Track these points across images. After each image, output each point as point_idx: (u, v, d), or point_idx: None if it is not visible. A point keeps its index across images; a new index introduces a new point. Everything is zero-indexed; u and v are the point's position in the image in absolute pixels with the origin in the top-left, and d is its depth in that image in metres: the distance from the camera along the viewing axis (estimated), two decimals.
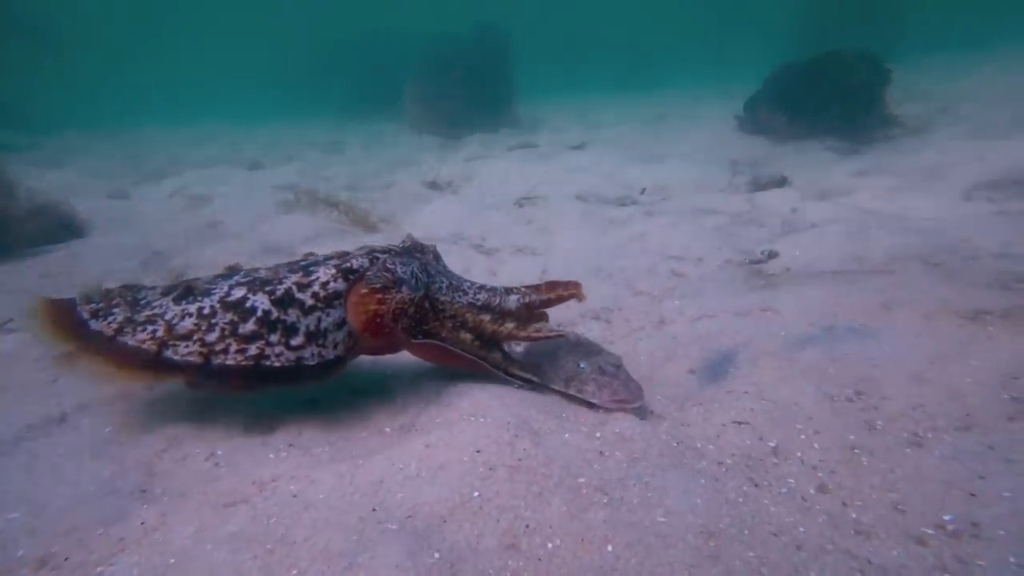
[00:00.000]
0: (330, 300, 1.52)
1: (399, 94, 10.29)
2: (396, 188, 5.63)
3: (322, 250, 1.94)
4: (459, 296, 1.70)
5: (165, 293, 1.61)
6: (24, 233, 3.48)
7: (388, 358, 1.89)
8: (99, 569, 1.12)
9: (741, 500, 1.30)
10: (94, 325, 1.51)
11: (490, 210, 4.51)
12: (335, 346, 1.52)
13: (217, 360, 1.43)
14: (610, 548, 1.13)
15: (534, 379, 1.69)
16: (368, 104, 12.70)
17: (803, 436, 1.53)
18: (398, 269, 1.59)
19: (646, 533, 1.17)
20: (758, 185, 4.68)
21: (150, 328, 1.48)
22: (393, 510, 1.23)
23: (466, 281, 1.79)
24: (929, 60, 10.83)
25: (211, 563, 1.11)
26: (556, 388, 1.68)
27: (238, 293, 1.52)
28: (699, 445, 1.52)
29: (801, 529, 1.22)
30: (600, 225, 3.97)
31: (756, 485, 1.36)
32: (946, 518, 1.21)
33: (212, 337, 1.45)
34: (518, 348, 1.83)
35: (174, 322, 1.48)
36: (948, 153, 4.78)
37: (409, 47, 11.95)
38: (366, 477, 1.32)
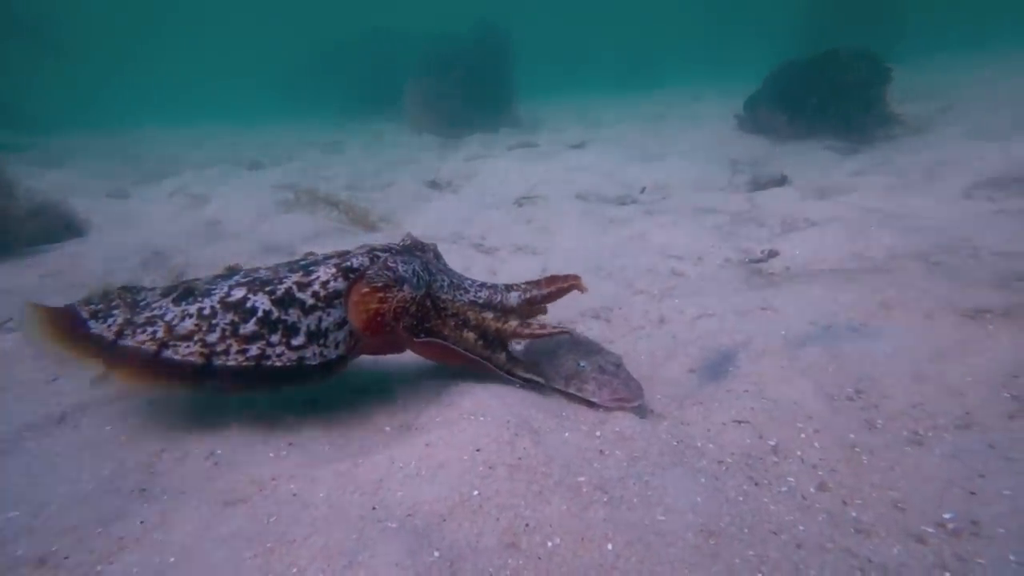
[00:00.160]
0: (331, 299, 1.52)
1: (399, 94, 10.29)
2: (396, 187, 5.62)
3: (322, 249, 1.94)
4: (460, 294, 1.70)
5: (165, 294, 1.60)
6: (24, 233, 3.48)
7: (388, 357, 1.88)
8: (99, 568, 1.12)
9: (741, 499, 1.29)
10: (94, 327, 1.50)
11: (490, 209, 4.51)
12: (336, 345, 1.52)
13: (218, 361, 1.42)
14: (610, 546, 1.13)
15: (539, 380, 1.67)
16: (368, 104, 12.70)
17: (803, 435, 1.53)
18: (399, 268, 1.58)
19: (646, 531, 1.17)
20: (758, 184, 4.68)
21: (150, 329, 1.47)
22: (393, 509, 1.23)
23: (467, 279, 1.79)
24: (929, 60, 10.82)
25: (211, 562, 1.11)
26: (556, 387, 1.68)
27: (238, 293, 1.52)
28: (699, 444, 1.52)
29: (801, 527, 1.22)
30: (600, 224, 3.97)
31: (756, 484, 1.36)
32: (946, 516, 1.21)
33: (213, 337, 1.45)
34: (518, 347, 1.82)
35: (174, 323, 1.48)
36: (948, 152, 4.78)
37: (409, 47, 11.95)
38: (366, 476, 1.32)
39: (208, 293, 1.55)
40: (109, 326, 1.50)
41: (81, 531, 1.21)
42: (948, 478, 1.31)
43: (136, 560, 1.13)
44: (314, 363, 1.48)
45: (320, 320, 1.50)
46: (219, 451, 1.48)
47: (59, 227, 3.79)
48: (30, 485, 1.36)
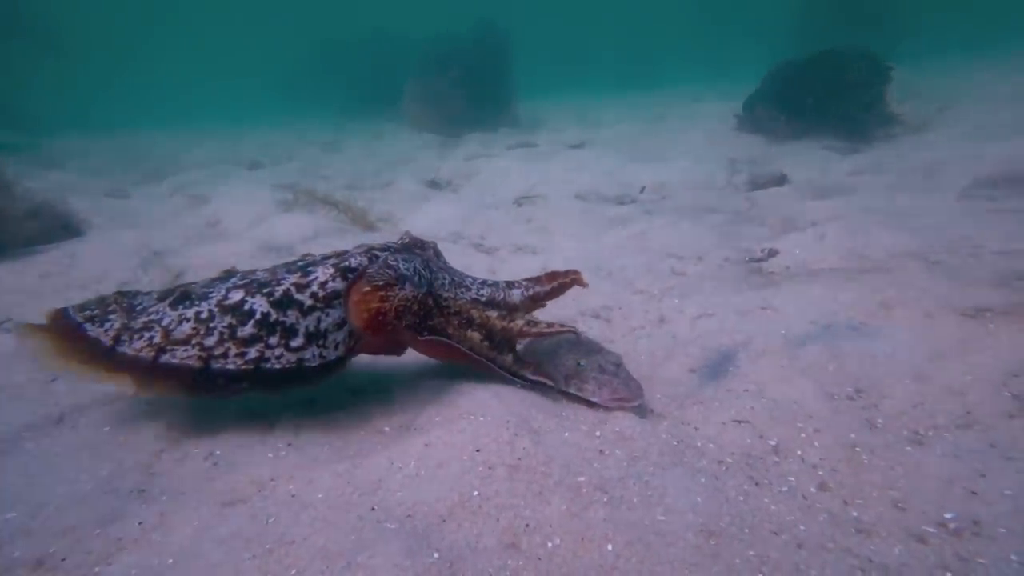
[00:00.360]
0: (329, 300, 1.51)
1: (399, 93, 10.29)
2: (396, 187, 5.62)
3: (321, 249, 1.93)
4: (462, 292, 1.68)
5: (161, 298, 1.58)
6: (22, 232, 3.47)
7: (386, 358, 1.88)
8: (97, 569, 1.12)
9: (741, 499, 1.29)
10: (91, 332, 1.48)
11: (490, 209, 4.50)
12: (336, 346, 1.51)
13: (217, 364, 1.41)
14: (610, 547, 1.13)
15: (548, 383, 1.64)
16: (368, 103, 12.70)
17: (803, 434, 1.53)
18: (400, 266, 1.57)
19: (646, 532, 1.16)
20: (757, 184, 4.68)
21: (147, 335, 1.45)
22: (392, 509, 1.22)
23: (468, 276, 1.78)
24: (929, 61, 10.82)
25: (210, 563, 1.10)
26: (556, 387, 1.67)
27: (236, 296, 1.51)
28: (699, 444, 1.52)
29: (802, 527, 1.21)
30: (600, 224, 3.96)
31: (756, 484, 1.36)
32: (947, 516, 1.21)
33: (211, 341, 1.44)
34: (518, 346, 1.82)
35: (171, 327, 1.46)
36: (948, 152, 4.78)
37: (409, 46, 11.95)
38: (365, 476, 1.32)
39: (205, 296, 1.53)
40: (106, 331, 1.48)
41: (79, 532, 1.20)
42: (949, 478, 1.31)
43: (134, 561, 1.12)
44: (314, 364, 1.47)
45: (319, 321, 1.49)
46: (218, 452, 1.48)
47: (58, 227, 3.78)
48: (28, 486, 1.35)
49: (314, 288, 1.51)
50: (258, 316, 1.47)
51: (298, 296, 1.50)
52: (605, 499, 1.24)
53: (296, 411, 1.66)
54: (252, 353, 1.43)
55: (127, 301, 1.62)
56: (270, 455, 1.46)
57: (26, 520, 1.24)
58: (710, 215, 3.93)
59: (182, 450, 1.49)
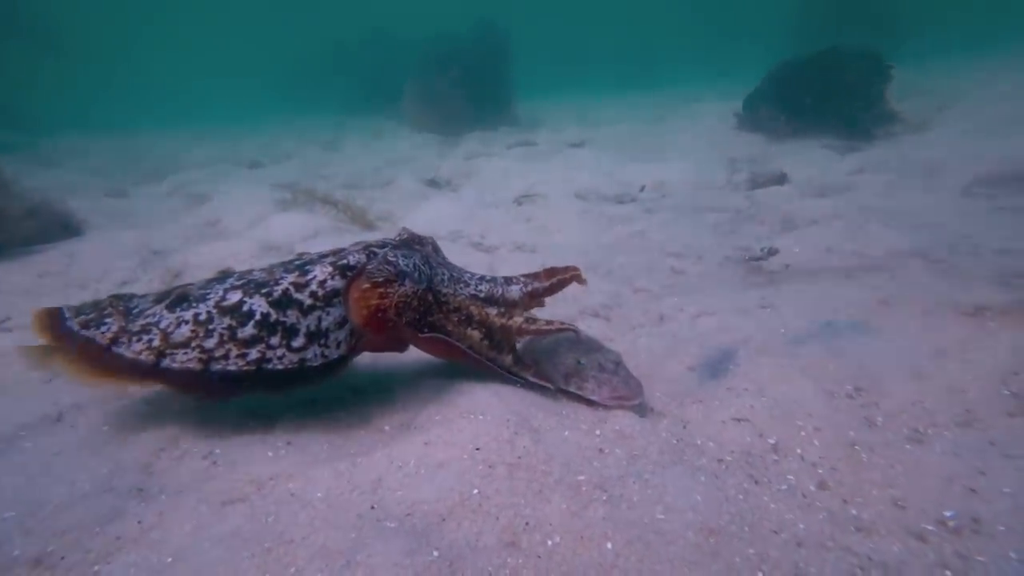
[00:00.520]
0: (329, 298, 1.50)
1: (399, 92, 10.28)
2: (395, 186, 5.61)
3: (321, 248, 1.92)
4: (461, 288, 1.67)
5: (158, 301, 1.56)
6: (21, 232, 3.47)
7: (386, 356, 1.88)
8: (96, 568, 1.11)
9: (741, 497, 1.29)
10: (86, 335, 1.46)
11: (489, 208, 4.50)
12: (338, 345, 1.50)
13: (218, 366, 1.39)
14: (610, 545, 1.13)
15: (548, 386, 1.63)
16: (368, 102, 12.68)
17: (803, 433, 1.53)
18: (400, 262, 1.56)
19: (646, 530, 1.16)
20: (757, 183, 4.68)
21: (146, 338, 1.44)
22: (392, 508, 1.22)
23: (466, 272, 1.77)
24: (929, 59, 10.82)
25: (209, 562, 1.10)
26: (555, 385, 1.67)
27: (234, 297, 1.49)
28: (699, 442, 1.52)
29: (801, 526, 1.21)
30: (599, 223, 3.96)
31: (756, 482, 1.36)
32: (947, 514, 1.21)
33: (211, 343, 1.42)
34: (518, 345, 1.81)
35: (170, 330, 1.44)
36: (948, 150, 4.78)
37: (408, 46, 11.94)
38: (365, 475, 1.32)
39: (203, 298, 1.51)
40: (103, 334, 1.46)
41: (78, 531, 1.20)
42: (948, 476, 1.31)
43: (134, 560, 1.12)
44: (316, 364, 1.46)
45: (320, 320, 1.48)
46: (217, 451, 1.48)
47: (57, 227, 3.78)
48: (27, 485, 1.35)
49: (313, 287, 1.50)
50: (258, 317, 1.45)
51: (297, 295, 1.49)
52: (605, 497, 1.24)
53: (296, 410, 1.66)
54: (253, 354, 1.42)
55: (123, 304, 1.59)
56: (270, 454, 1.46)
57: (25, 519, 1.23)
58: (710, 214, 3.93)
59: (181, 449, 1.49)
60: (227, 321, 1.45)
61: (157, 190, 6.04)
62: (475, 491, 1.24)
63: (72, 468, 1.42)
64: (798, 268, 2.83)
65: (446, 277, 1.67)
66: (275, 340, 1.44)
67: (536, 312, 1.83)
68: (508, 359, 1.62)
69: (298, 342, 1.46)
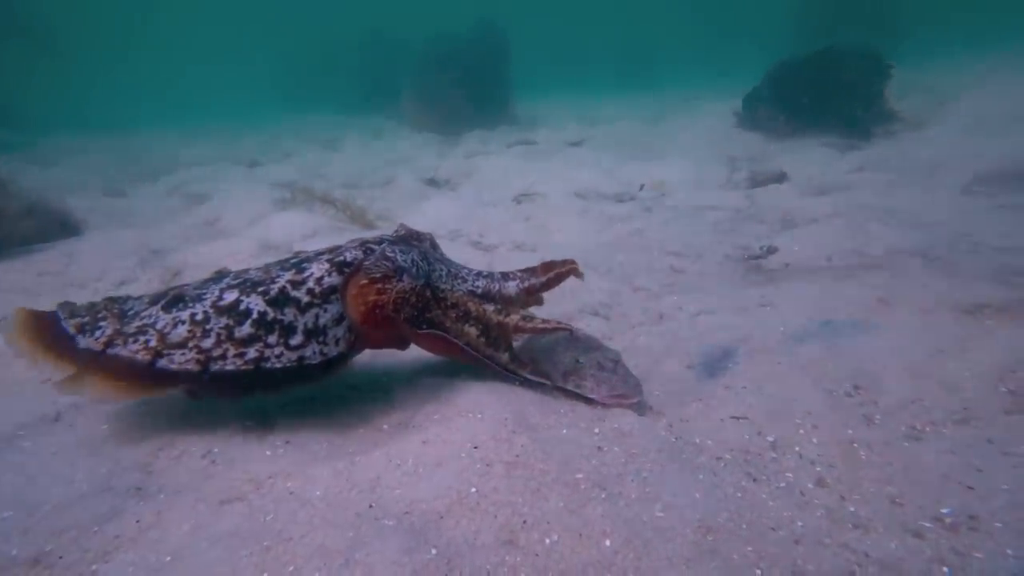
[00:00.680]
0: (327, 295, 1.49)
1: (398, 92, 10.27)
2: (395, 185, 5.61)
3: (320, 248, 1.92)
4: (459, 283, 1.66)
5: (153, 302, 1.55)
6: (19, 231, 3.46)
7: (385, 355, 1.88)
8: (94, 567, 1.11)
9: (739, 495, 1.29)
10: (82, 341, 1.43)
11: (488, 207, 4.50)
12: (337, 342, 1.49)
13: (216, 366, 1.38)
14: (608, 543, 1.13)
15: (545, 382, 1.63)
16: (367, 102, 12.68)
17: (801, 431, 1.53)
18: (398, 257, 1.55)
19: (644, 528, 1.16)
20: (757, 181, 4.68)
21: (142, 339, 1.42)
22: (390, 506, 1.22)
23: (464, 268, 1.76)
24: (929, 58, 10.82)
25: (207, 561, 1.10)
26: (553, 382, 1.67)
27: (230, 296, 1.48)
28: (698, 440, 1.52)
29: (799, 523, 1.21)
30: (599, 221, 3.96)
31: (754, 480, 1.36)
32: (944, 511, 1.21)
33: (208, 343, 1.41)
34: (516, 343, 1.81)
35: (166, 331, 1.43)
36: (947, 148, 4.78)
37: (408, 46, 11.93)
38: (363, 474, 1.32)
39: (199, 298, 1.50)
40: (97, 338, 1.43)
41: (76, 530, 1.20)
42: (946, 473, 1.31)
43: (132, 559, 1.12)
44: (315, 362, 1.45)
45: (317, 317, 1.48)
46: (216, 450, 1.48)
47: (55, 226, 3.77)
48: (25, 484, 1.35)
49: (310, 284, 1.50)
50: (255, 316, 1.45)
51: (294, 293, 1.48)
52: (603, 496, 1.24)
53: (295, 409, 1.66)
54: (251, 353, 1.41)
55: (117, 307, 1.57)
56: (268, 453, 1.46)
57: (23, 519, 1.23)
58: (710, 213, 3.93)
59: (180, 448, 1.49)
60: (224, 320, 1.44)
61: (156, 189, 6.03)
62: (473, 489, 1.24)
63: (70, 467, 1.41)
64: (797, 267, 2.83)
65: (444, 273, 1.67)
66: (273, 339, 1.44)
67: (534, 310, 1.83)
68: (505, 356, 1.62)
69: (296, 340, 1.45)
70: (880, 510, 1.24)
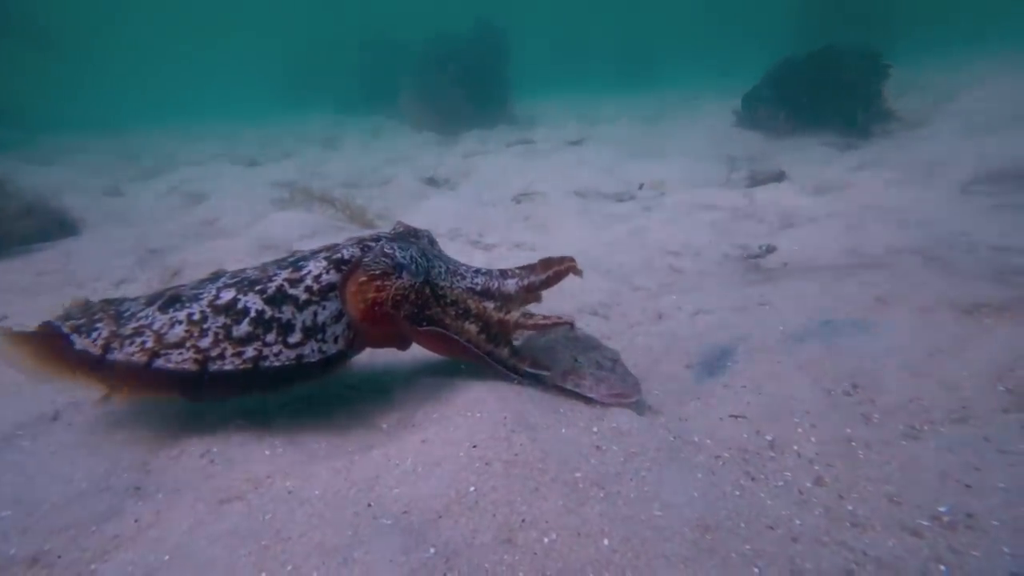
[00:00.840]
0: (325, 293, 1.48)
1: (397, 91, 10.26)
2: (394, 184, 5.61)
3: (317, 246, 1.92)
4: (457, 281, 1.66)
5: (149, 303, 1.53)
6: (18, 230, 3.46)
7: (384, 354, 1.88)
8: (93, 567, 1.11)
9: (738, 494, 1.29)
10: (79, 344, 1.42)
11: (488, 206, 4.50)
12: (336, 340, 1.48)
13: (214, 366, 1.37)
14: (606, 542, 1.13)
15: (545, 373, 1.61)
16: (366, 101, 12.67)
17: (800, 430, 1.53)
18: (397, 254, 1.54)
19: (642, 527, 1.16)
20: (756, 180, 4.68)
21: (139, 340, 1.41)
22: (388, 505, 1.22)
23: (462, 265, 1.76)
24: (927, 57, 10.82)
25: (206, 559, 1.10)
26: (553, 382, 1.67)
27: (228, 295, 1.47)
28: (696, 439, 1.52)
29: (797, 522, 1.22)
30: (598, 221, 3.96)
31: (753, 479, 1.36)
32: (941, 509, 1.21)
33: (206, 342, 1.40)
34: (516, 340, 1.81)
35: (163, 331, 1.42)
36: (946, 147, 4.78)
37: (407, 45, 11.92)
38: (362, 473, 1.32)
39: (196, 298, 1.49)
40: (94, 341, 1.42)
41: (75, 530, 1.20)
42: (943, 471, 1.31)
43: (130, 558, 1.12)
44: (314, 360, 1.45)
45: (316, 315, 1.47)
46: (215, 449, 1.48)
47: (54, 225, 3.77)
48: (23, 484, 1.35)
49: (308, 282, 1.49)
50: (252, 314, 1.44)
51: (292, 291, 1.48)
52: (602, 495, 1.24)
53: (294, 408, 1.66)
54: (250, 352, 1.40)
55: (113, 308, 1.56)
56: (267, 452, 1.46)
57: (21, 518, 1.23)
58: (709, 212, 3.93)
59: (179, 447, 1.49)
60: (222, 320, 1.44)
61: (154, 188, 6.02)
62: (472, 488, 1.24)
63: (69, 467, 1.41)
64: (796, 266, 2.83)
65: (443, 270, 1.66)
66: (271, 337, 1.43)
67: (532, 308, 1.83)
68: (505, 351, 1.61)
69: (295, 338, 1.44)
70: (878, 509, 1.25)
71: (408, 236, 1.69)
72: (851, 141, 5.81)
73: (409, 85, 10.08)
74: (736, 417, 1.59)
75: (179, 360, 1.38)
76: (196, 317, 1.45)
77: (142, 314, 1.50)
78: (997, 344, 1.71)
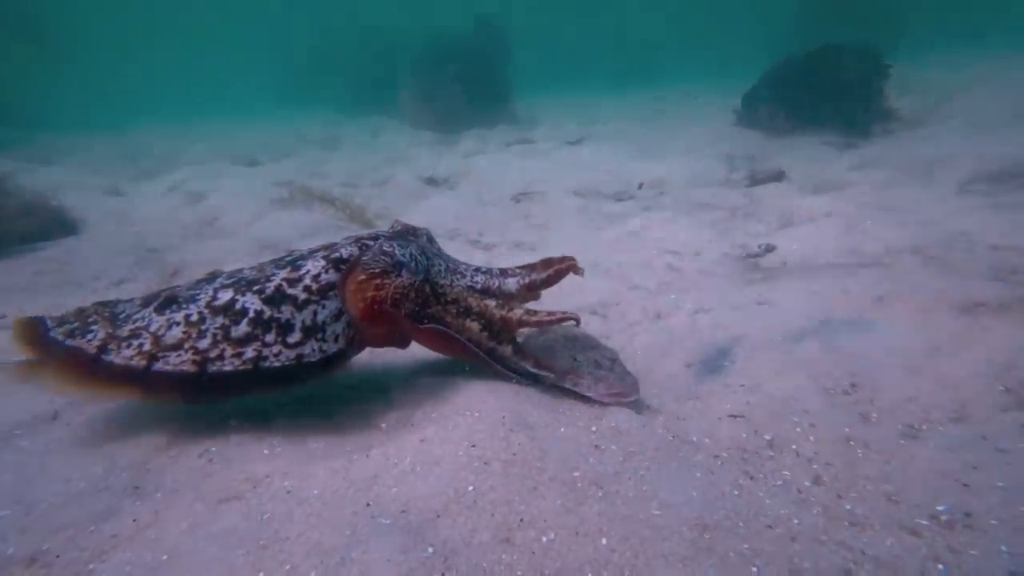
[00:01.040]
0: (324, 292, 1.48)
1: (397, 91, 10.26)
2: (393, 184, 5.61)
3: (314, 246, 1.92)
4: (458, 279, 1.65)
5: (145, 304, 1.52)
6: (16, 230, 3.46)
7: (383, 354, 1.88)
8: (91, 566, 1.11)
9: (736, 493, 1.29)
10: (71, 345, 1.40)
11: (487, 206, 4.50)
12: (336, 339, 1.47)
13: (213, 367, 1.36)
14: (604, 541, 1.13)
15: (549, 375, 1.60)
16: (366, 101, 12.66)
17: (799, 429, 1.53)
18: (396, 252, 1.54)
19: (641, 526, 1.16)
20: (755, 179, 4.68)
21: (136, 342, 1.39)
22: (387, 505, 1.22)
23: (461, 263, 1.75)
24: (927, 56, 10.81)
25: (204, 559, 1.10)
26: (556, 379, 1.67)
27: (225, 296, 1.46)
28: (695, 439, 1.52)
29: (796, 521, 1.22)
30: (598, 220, 3.96)
31: (751, 478, 1.36)
32: (940, 508, 1.22)
33: (204, 343, 1.39)
34: (518, 339, 1.81)
35: (161, 333, 1.40)
36: (945, 147, 4.78)
37: (407, 44, 11.91)
38: (360, 472, 1.32)
39: (192, 299, 1.48)
40: (89, 342, 1.41)
41: (73, 529, 1.20)
42: (942, 471, 1.31)
43: (129, 558, 1.12)
44: (314, 359, 1.44)
45: (315, 314, 1.46)
46: (213, 448, 1.48)
47: (54, 224, 3.77)
48: (22, 483, 1.35)
49: (307, 281, 1.48)
50: (251, 314, 1.43)
51: (291, 291, 1.47)
52: (600, 494, 1.24)
53: (292, 408, 1.66)
54: (249, 352, 1.40)
55: (108, 310, 1.55)
56: (265, 451, 1.45)
57: (19, 517, 1.23)
58: (708, 211, 3.93)
59: (177, 447, 1.49)
60: (220, 320, 1.43)
61: (154, 188, 6.01)
62: (470, 488, 1.24)
63: (67, 466, 1.41)
64: (795, 265, 2.83)
65: (443, 268, 1.66)
66: (271, 337, 1.43)
67: (531, 306, 1.83)
68: (508, 349, 1.59)
69: (294, 338, 1.44)
70: (877, 508, 1.25)
71: (406, 234, 1.69)
72: (851, 140, 5.81)
73: (409, 84, 10.07)
74: (735, 416, 1.59)
75: (177, 362, 1.38)
76: (194, 318, 1.44)
77: (138, 316, 1.49)
78: (996, 343, 1.71)
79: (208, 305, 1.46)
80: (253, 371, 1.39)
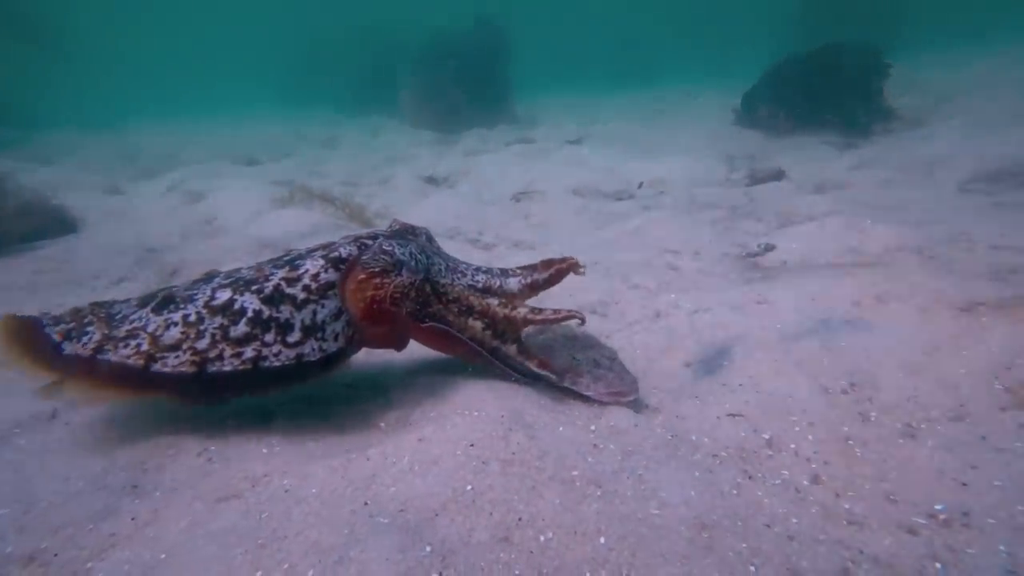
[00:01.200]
0: (323, 291, 1.47)
1: (397, 90, 10.25)
2: (393, 183, 5.60)
3: (313, 245, 1.92)
4: (458, 278, 1.65)
5: (142, 304, 1.51)
6: (16, 229, 3.46)
7: (382, 353, 1.87)
8: (89, 565, 1.12)
9: (735, 492, 1.29)
10: (68, 348, 1.39)
11: (487, 205, 4.49)
12: (336, 337, 1.47)
13: (213, 367, 1.36)
14: (603, 540, 1.13)
15: (552, 377, 1.60)
16: (366, 100, 12.66)
17: (797, 428, 1.53)
18: (396, 251, 1.53)
19: (639, 525, 1.17)
20: (755, 179, 4.68)
21: (133, 343, 1.38)
22: (385, 504, 1.22)
23: (462, 263, 1.75)
24: (927, 55, 10.80)
25: (202, 558, 1.10)
26: (559, 381, 1.67)
27: (223, 296, 1.46)
28: (694, 438, 1.52)
29: (794, 520, 1.22)
30: (597, 219, 3.96)
31: (750, 477, 1.36)
32: (938, 507, 1.22)
33: (203, 344, 1.38)
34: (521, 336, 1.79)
35: (158, 333, 1.40)
36: (945, 146, 4.78)
37: (407, 44, 11.90)
38: (359, 472, 1.32)
39: (190, 299, 1.47)
40: (84, 344, 1.40)
41: (72, 528, 1.20)
42: (940, 470, 1.31)
43: (127, 557, 1.12)
44: (314, 359, 1.43)
45: (315, 313, 1.46)
46: (212, 447, 1.48)
47: (53, 223, 3.77)
48: (20, 482, 1.35)
49: (306, 280, 1.48)
50: (250, 314, 1.43)
51: (289, 290, 1.47)
52: (599, 493, 1.24)
53: (291, 407, 1.66)
54: (248, 352, 1.39)
55: (104, 311, 1.54)
56: (264, 450, 1.46)
57: (18, 516, 1.23)
58: (708, 210, 3.93)
59: (176, 446, 1.49)
60: (218, 320, 1.42)
61: (154, 187, 6.01)
62: (468, 487, 1.24)
63: (66, 465, 1.41)
64: (795, 264, 2.83)
65: (443, 267, 1.65)
66: (270, 337, 1.42)
67: (532, 303, 1.82)
68: (512, 348, 1.58)
69: (294, 337, 1.43)
70: (875, 507, 1.25)
71: (405, 233, 1.68)
72: (851, 140, 5.81)
73: (409, 84, 10.07)
74: (734, 415, 1.59)
75: (176, 363, 1.37)
76: (192, 318, 1.43)
77: (135, 316, 1.48)
78: (995, 343, 1.71)
79: (206, 305, 1.46)
80: (253, 371, 1.39)
